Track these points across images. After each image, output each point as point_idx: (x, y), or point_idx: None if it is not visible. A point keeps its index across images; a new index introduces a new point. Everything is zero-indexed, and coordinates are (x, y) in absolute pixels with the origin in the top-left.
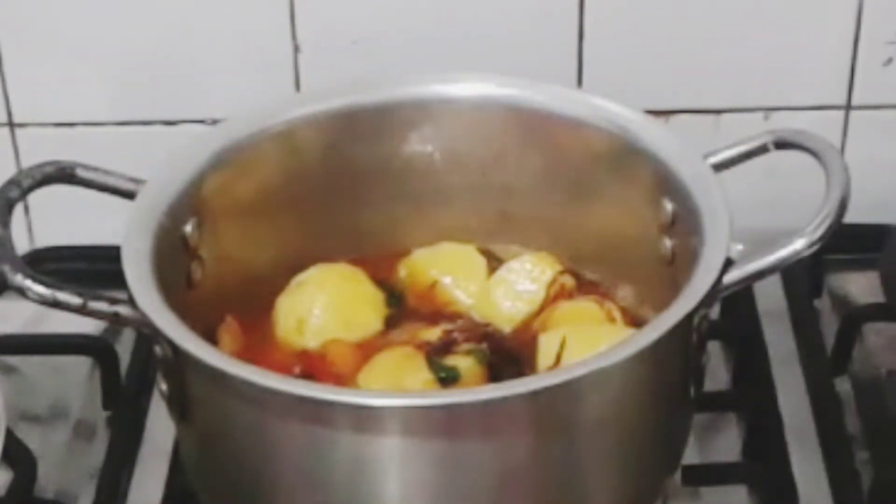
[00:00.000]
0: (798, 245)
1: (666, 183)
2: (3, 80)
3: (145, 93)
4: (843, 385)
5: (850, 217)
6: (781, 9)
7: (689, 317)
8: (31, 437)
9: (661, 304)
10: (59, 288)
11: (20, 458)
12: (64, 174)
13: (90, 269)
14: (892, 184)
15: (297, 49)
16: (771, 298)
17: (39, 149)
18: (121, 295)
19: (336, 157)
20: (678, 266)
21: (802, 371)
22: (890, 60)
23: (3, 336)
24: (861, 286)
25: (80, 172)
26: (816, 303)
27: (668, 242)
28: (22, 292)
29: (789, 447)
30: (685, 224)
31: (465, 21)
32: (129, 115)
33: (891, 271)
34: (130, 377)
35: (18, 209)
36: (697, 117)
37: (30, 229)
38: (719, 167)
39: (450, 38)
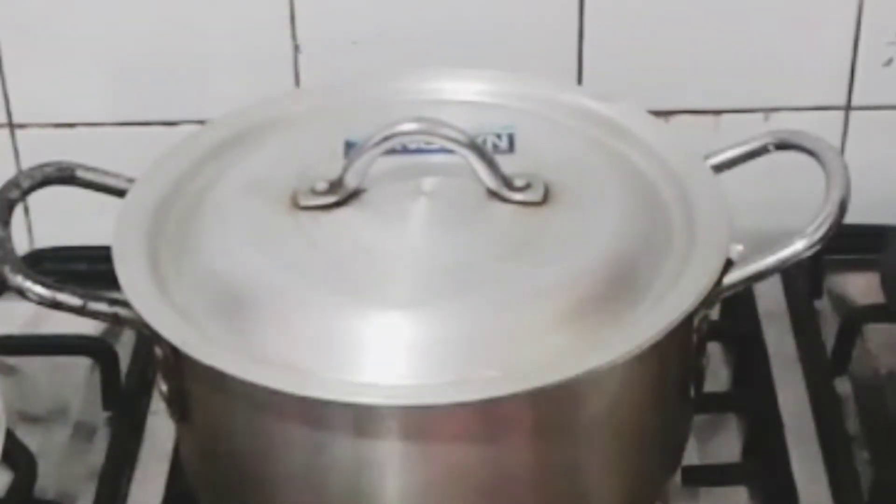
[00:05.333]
0: (798, 246)
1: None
2: (3, 81)
3: (145, 93)
4: (843, 386)
5: (850, 217)
6: (782, 9)
7: (688, 318)
8: (31, 438)
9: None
10: (59, 289)
11: (20, 458)
12: (64, 175)
13: (90, 269)
14: (892, 184)
15: (297, 49)
16: (771, 299)
17: (39, 149)
18: (121, 296)
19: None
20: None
21: (802, 372)
22: (890, 61)
23: (3, 337)
24: (861, 287)
25: (80, 173)
26: (816, 303)
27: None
28: (22, 293)
29: (789, 448)
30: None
31: (464, 22)
32: (129, 115)
33: (891, 272)
34: (130, 377)
35: (18, 210)
36: (697, 117)
37: (30, 230)
38: (719, 168)
39: (450, 39)
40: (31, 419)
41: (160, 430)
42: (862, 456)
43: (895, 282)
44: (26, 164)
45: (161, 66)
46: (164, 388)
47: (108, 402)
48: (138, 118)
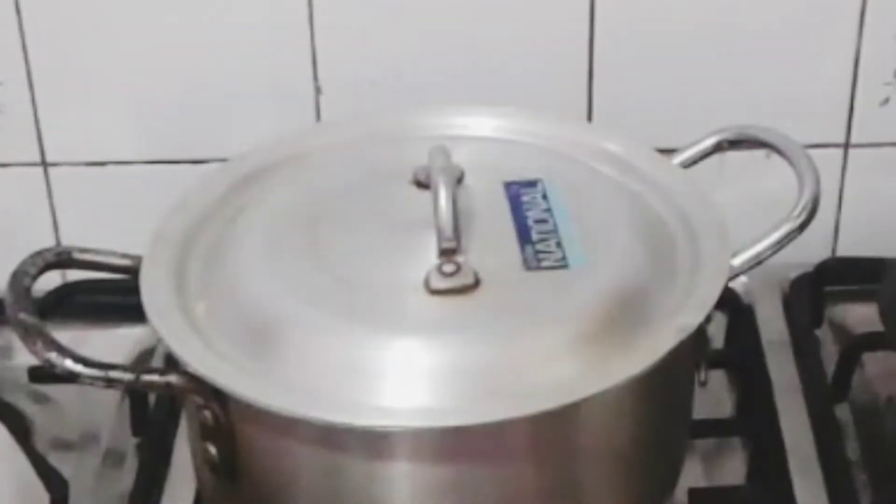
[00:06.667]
0: (785, 228)
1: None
2: (37, 121)
3: (173, 133)
4: (843, 412)
5: (850, 250)
6: (782, 51)
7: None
8: (64, 464)
9: None
10: (110, 367)
11: (54, 484)
12: (62, 259)
13: (121, 301)
14: (890, 219)
15: (318, 90)
16: (773, 328)
17: (71, 187)
18: (168, 367)
19: None
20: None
21: (804, 398)
22: (887, 100)
23: (37, 367)
24: (860, 316)
25: (77, 255)
26: (817, 332)
27: None
28: (74, 376)
29: (791, 471)
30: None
31: (477, 63)
32: (158, 154)
33: (889, 302)
34: (158, 405)
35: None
36: None
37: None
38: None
39: (464, 80)
40: (64, 446)
41: (187, 455)
42: (861, 479)
43: (893, 311)
44: (59, 201)
45: (188, 108)
46: (212, 450)
47: (136, 429)
48: (166, 157)
